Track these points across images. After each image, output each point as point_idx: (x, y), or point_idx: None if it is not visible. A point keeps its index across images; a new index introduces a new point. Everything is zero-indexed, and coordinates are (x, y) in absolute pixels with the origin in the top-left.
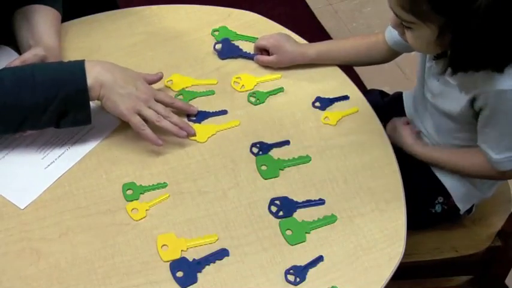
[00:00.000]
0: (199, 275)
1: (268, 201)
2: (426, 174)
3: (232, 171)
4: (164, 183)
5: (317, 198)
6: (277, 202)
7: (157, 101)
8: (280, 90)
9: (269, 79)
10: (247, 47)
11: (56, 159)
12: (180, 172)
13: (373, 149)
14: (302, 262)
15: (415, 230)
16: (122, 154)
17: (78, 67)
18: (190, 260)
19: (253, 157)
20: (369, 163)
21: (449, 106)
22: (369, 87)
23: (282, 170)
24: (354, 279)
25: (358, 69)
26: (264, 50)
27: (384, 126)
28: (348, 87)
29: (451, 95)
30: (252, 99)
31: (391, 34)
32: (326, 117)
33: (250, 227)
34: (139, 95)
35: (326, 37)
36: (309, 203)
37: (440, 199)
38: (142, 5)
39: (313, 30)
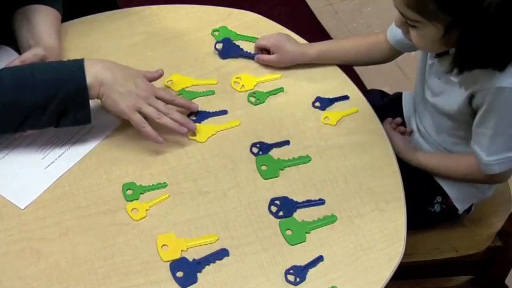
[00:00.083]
0: (199, 275)
1: (268, 201)
2: (425, 174)
3: (232, 171)
4: (164, 183)
5: (317, 198)
6: (277, 202)
7: (157, 98)
8: (280, 90)
9: (269, 79)
10: (247, 47)
11: (56, 159)
12: (180, 172)
13: (373, 149)
14: (302, 262)
15: (415, 229)
16: (122, 154)
17: (78, 66)
18: (190, 260)
19: (253, 157)
20: (369, 163)
21: (448, 105)
22: (369, 87)
23: (282, 170)
24: (354, 279)
25: (358, 69)
26: (264, 50)
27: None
28: (348, 87)
29: (451, 94)
30: (252, 99)
31: (393, 33)
32: (326, 117)
33: (250, 227)
34: (139, 92)
35: (326, 37)
36: (309, 203)
37: (439, 199)
38: (142, 5)
39: (313, 30)
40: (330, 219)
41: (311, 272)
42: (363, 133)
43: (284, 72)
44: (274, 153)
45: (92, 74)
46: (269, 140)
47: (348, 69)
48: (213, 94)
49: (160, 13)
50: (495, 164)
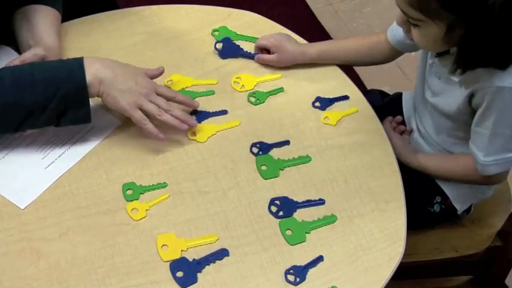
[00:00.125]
0: (199, 275)
1: (268, 201)
2: (424, 174)
3: (232, 171)
4: (164, 183)
5: (317, 198)
6: (277, 202)
7: (158, 94)
8: (280, 90)
9: (269, 79)
10: (247, 47)
11: (56, 159)
12: (180, 172)
13: (373, 149)
14: (302, 262)
15: (414, 229)
16: (122, 154)
17: (77, 64)
18: (190, 260)
19: (253, 157)
20: (369, 163)
21: (448, 105)
22: (369, 87)
23: (282, 170)
24: (354, 279)
25: (358, 69)
26: (264, 50)
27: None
28: (348, 87)
29: (451, 93)
30: (252, 99)
31: (394, 33)
32: (326, 117)
33: (250, 227)
34: (139, 89)
35: (326, 37)
36: (309, 203)
37: (438, 199)
38: (142, 5)
39: (313, 30)
40: (330, 219)
41: (311, 272)
42: (363, 133)
43: (284, 72)
44: (274, 153)
45: (92, 72)
46: (269, 140)
47: (348, 69)
48: (213, 94)
49: (160, 13)
50: (491, 165)
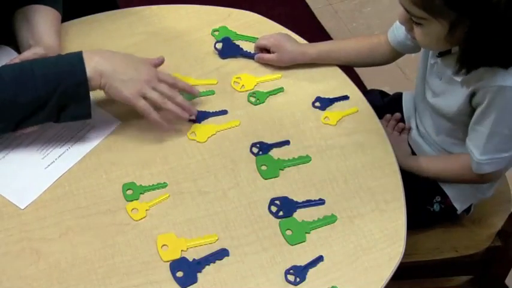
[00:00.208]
0: (199, 275)
1: (268, 201)
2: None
3: (232, 171)
4: (164, 183)
5: (317, 198)
6: (277, 202)
7: (160, 81)
8: (280, 90)
9: (269, 79)
10: (247, 47)
11: (56, 159)
12: (180, 172)
13: (373, 149)
14: (302, 262)
15: (414, 229)
16: (121, 154)
17: (77, 59)
18: (190, 260)
19: (253, 157)
20: (369, 163)
21: (448, 106)
22: (369, 87)
23: (282, 170)
24: (354, 279)
25: (358, 69)
26: (264, 50)
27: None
28: (348, 87)
29: (452, 93)
30: (252, 99)
31: (394, 34)
32: (326, 117)
33: (250, 227)
34: (141, 77)
35: (326, 37)
36: (309, 203)
37: (438, 198)
38: (142, 5)
39: (313, 30)
40: (330, 219)
41: (311, 272)
42: (363, 133)
43: (284, 72)
44: (274, 153)
45: (92, 66)
46: (269, 140)
47: (348, 69)
48: (213, 94)
49: (160, 13)
50: (486, 164)
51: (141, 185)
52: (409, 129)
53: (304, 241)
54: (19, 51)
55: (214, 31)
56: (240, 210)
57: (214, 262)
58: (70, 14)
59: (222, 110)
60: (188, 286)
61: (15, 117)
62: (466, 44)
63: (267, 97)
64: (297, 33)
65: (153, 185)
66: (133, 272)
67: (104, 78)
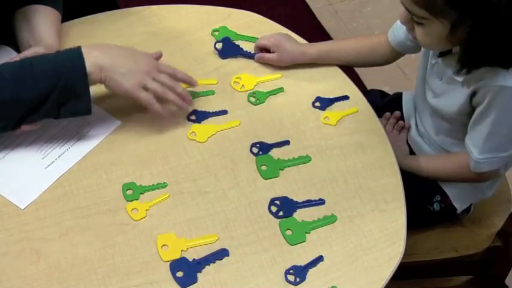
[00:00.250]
0: (199, 275)
1: (268, 201)
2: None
3: (232, 171)
4: (164, 183)
5: (317, 198)
6: (277, 202)
7: (159, 71)
8: (280, 90)
9: (269, 79)
10: (247, 47)
11: (56, 159)
12: (180, 172)
13: (373, 149)
14: (302, 262)
15: (414, 229)
16: (122, 154)
17: (76, 54)
18: (190, 260)
19: (253, 157)
20: (369, 163)
21: (449, 106)
22: (369, 87)
23: (282, 170)
24: (354, 279)
25: (358, 69)
26: (264, 50)
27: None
28: (348, 87)
29: (452, 94)
30: (252, 99)
31: (395, 34)
32: (326, 117)
33: (250, 227)
34: (141, 68)
35: (326, 37)
36: (309, 203)
37: (438, 197)
38: (143, 5)
39: (313, 30)
40: (330, 219)
41: (311, 272)
42: (363, 133)
43: (284, 72)
44: (274, 153)
45: (91, 60)
46: (269, 140)
47: (348, 69)
48: (213, 94)
49: (161, 13)
50: (484, 162)
51: (141, 185)
52: (409, 128)
53: (304, 241)
54: (19, 51)
55: (214, 31)
56: (240, 210)
57: (214, 262)
58: (70, 14)
59: (222, 110)
60: (188, 286)
61: (17, 115)
62: (467, 43)
63: (267, 97)
64: (297, 33)
65: (153, 185)
66: (133, 272)
67: (103, 72)
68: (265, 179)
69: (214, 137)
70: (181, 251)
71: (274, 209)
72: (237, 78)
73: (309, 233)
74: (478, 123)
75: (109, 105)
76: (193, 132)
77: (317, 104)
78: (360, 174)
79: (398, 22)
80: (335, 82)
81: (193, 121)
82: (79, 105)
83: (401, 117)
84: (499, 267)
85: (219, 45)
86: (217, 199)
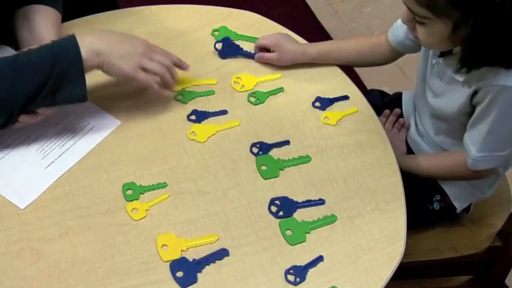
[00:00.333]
0: (199, 275)
1: (268, 201)
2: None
3: (232, 171)
4: (164, 183)
5: (317, 198)
6: (277, 202)
7: (153, 51)
8: (280, 90)
9: (269, 79)
10: (248, 47)
11: (56, 159)
12: (180, 172)
13: (373, 149)
14: (302, 262)
15: (414, 229)
16: (122, 154)
17: (70, 40)
18: (190, 260)
19: (253, 157)
20: (369, 163)
21: (448, 106)
22: (369, 87)
23: (282, 170)
24: (354, 279)
25: (358, 69)
26: (264, 49)
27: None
28: (348, 87)
29: (452, 94)
30: (252, 99)
31: (395, 34)
32: (326, 117)
33: (250, 227)
34: (137, 50)
35: (326, 37)
36: (309, 203)
37: (438, 197)
38: (143, 5)
39: (313, 30)
40: (330, 219)
41: (311, 272)
42: (363, 133)
43: (284, 72)
44: (274, 153)
45: (86, 46)
46: (269, 140)
47: (348, 69)
48: (213, 94)
49: (160, 13)
50: (481, 161)
51: (141, 185)
52: (408, 126)
53: (304, 241)
54: None
55: (214, 31)
56: (240, 210)
57: (214, 262)
58: (70, 14)
59: (222, 110)
60: (188, 286)
61: (18, 106)
62: (469, 43)
63: (267, 97)
64: (297, 33)
65: (153, 185)
66: (133, 272)
67: (101, 57)
68: (265, 179)
69: (214, 137)
70: (181, 251)
71: (274, 209)
72: (237, 78)
73: (309, 233)
74: (477, 122)
75: (109, 105)
76: (193, 132)
77: (317, 104)
78: (360, 174)
79: (398, 22)
80: (335, 82)
81: (193, 121)
82: (74, 91)
83: (401, 116)
84: (499, 267)
85: (219, 46)
86: (217, 199)
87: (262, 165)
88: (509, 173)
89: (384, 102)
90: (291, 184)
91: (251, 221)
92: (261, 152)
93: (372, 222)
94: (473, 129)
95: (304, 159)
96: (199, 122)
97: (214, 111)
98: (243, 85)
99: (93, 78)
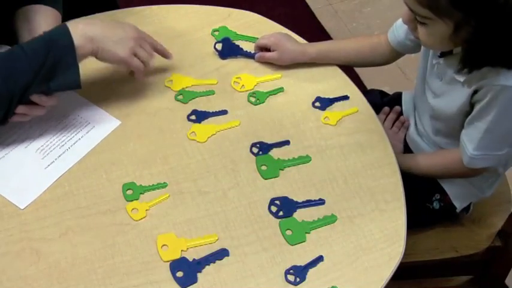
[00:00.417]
0: (199, 275)
1: (268, 201)
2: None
3: (232, 171)
4: (164, 183)
5: (317, 198)
6: (277, 202)
7: (143, 38)
8: (280, 90)
9: (269, 79)
10: (247, 47)
11: (56, 159)
12: (180, 172)
13: (373, 149)
14: (302, 262)
15: (414, 228)
16: (121, 154)
17: (63, 30)
18: (190, 260)
19: (253, 157)
20: (369, 163)
21: (448, 107)
22: (369, 87)
23: (282, 170)
24: (354, 279)
25: (358, 69)
26: (264, 49)
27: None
28: (348, 87)
29: (452, 94)
30: (252, 99)
31: (395, 34)
32: (326, 117)
33: (250, 227)
34: (130, 35)
35: (326, 37)
36: (309, 203)
37: (437, 196)
38: (143, 5)
39: (313, 30)
40: (330, 219)
41: (311, 272)
42: (363, 133)
43: (284, 72)
44: (274, 153)
45: (79, 34)
46: (269, 140)
47: (348, 69)
48: (213, 94)
49: (161, 13)
50: (478, 159)
51: (141, 185)
52: (408, 126)
53: (304, 241)
54: None
55: (214, 31)
56: (240, 210)
57: (214, 262)
58: (70, 14)
59: (222, 110)
60: (188, 286)
61: (14, 98)
62: (470, 44)
63: (267, 97)
64: (297, 33)
65: (153, 185)
66: (133, 272)
67: (95, 43)
68: (265, 179)
69: (214, 137)
70: (181, 251)
71: (274, 209)
72: (237, 78)
73: (309, 233)
74: (476, 120)
75: (109, 105)
76: (193, 132)
77: (317, 104)
78: (360, 174)
79: (398, 22)
80: (335, 82)
81: (193, 121)
82: (68, 78)
83: (401, 114)
84: (499, 267)
85: (219, 46)
86: (217, 199)
87: (262, 165)
88: (509, 173)
89: (383, 102)
90: (291, 184)
91: (251, 221)
92: (261, 152)
93: (372, 222)
94: (471, 126)
95: (304, 159)
96: (199, 122)
97: (214, 111)
98: (243, 85)
99: (93, 78)
